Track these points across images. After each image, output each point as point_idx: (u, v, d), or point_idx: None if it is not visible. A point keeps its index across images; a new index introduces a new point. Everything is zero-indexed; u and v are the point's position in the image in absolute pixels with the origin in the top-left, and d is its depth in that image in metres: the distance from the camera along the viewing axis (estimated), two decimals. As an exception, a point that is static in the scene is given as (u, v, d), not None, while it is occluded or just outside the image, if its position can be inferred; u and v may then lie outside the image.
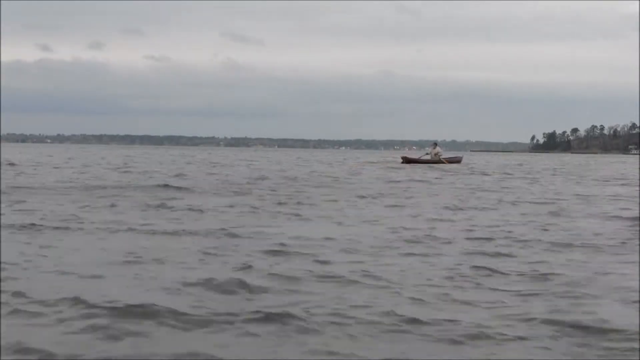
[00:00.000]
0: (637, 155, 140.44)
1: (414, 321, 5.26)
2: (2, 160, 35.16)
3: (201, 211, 12.73)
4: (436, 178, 26.81)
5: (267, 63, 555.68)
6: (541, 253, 8.49)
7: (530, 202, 15.98)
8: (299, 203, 14.80)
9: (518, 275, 7.08)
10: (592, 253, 8.58)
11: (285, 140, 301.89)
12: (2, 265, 7.05)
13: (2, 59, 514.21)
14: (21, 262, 7.34)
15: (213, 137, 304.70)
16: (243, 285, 6.33)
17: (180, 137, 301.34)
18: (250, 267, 7.20)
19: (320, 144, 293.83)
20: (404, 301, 5.93)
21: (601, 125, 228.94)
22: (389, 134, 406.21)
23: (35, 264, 7.31)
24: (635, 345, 4.78)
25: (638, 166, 51.08)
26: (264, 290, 6.22)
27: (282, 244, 8.74)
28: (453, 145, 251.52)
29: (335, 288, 6.38)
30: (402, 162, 45.97)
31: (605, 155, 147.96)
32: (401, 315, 5.38)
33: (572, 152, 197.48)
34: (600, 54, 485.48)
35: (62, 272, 6.88)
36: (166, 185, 19.24)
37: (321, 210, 13.32)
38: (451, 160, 47.44)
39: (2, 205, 13.10)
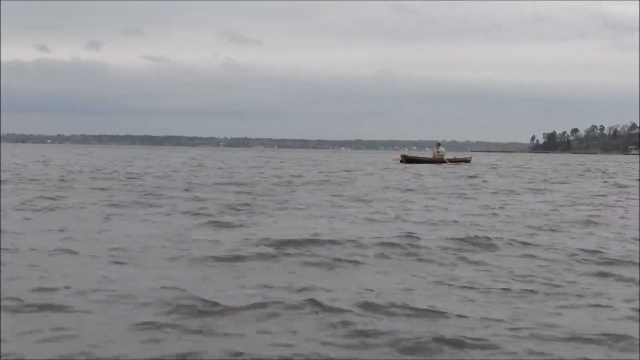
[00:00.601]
0: (637, 155, 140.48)
1: None
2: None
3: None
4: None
5: (266, 63, 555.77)
6: None
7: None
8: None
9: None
10: None
11: (285, 140, 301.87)
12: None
13: (1, 59, 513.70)
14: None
15: (213, 138, 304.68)
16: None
17: (180, 138, 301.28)
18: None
19: (320, 144, 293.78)
20: None
21: (601, 125, 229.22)
22: (389, 134, 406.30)
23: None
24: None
25: None
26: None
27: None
28: (453, 145, 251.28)
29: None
30: (402, 161, 45.78)
31: (617, 156, 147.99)
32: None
33: (572, 153, 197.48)
34: (601, 54, 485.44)
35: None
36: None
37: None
38: (460, 161, 47.35)
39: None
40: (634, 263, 7.84)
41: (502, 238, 9.41)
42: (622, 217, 12.95)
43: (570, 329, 5.13)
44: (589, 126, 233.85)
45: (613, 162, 74.80)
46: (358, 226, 10.92)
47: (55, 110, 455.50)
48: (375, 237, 9.31)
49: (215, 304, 5.66)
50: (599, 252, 8.54)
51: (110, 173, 27.15)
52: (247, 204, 14.16)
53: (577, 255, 8.30)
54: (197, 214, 12.23)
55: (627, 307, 5.84)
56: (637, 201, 16.86)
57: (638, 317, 5.51)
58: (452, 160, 45.65)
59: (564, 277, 7.02)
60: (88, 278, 6.57)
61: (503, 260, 7.99)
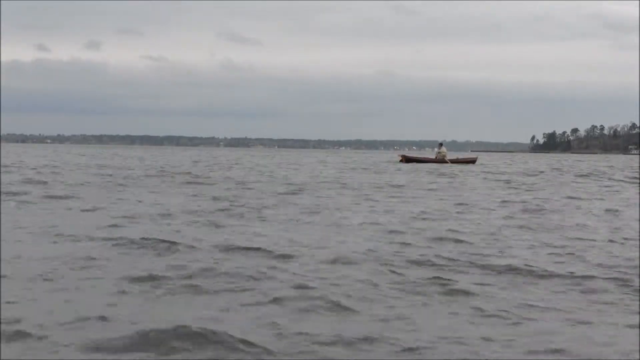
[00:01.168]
0: (637, 155, 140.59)
1: None
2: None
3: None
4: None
5: (266, 63, 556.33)
6: None
7: None
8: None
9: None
10: None
11: (285, 140, 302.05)
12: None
13: (1, 59, 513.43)
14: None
15: (213, 138, 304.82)
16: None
17: (180, 137, 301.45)
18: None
19: (320, 144, 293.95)
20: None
21: (601, 125, 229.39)
22: (389, 134, 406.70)
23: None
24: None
25: None
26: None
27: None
28: (453, 145, 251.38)
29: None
30: (401, 161, 45.73)
31: (617, 155, 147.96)
32: None
33: (572, 152, 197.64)
34: (600, 54, 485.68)
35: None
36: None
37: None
38: (463, 161, 47.15)
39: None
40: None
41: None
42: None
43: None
44: (589, 126, 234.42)
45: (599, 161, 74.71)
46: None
47: (55, 110, 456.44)
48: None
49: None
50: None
51: (209, 177, 25.38)
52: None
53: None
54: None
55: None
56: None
57: None
58: (454, 161, 45.50)
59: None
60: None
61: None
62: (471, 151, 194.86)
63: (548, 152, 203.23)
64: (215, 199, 15.51)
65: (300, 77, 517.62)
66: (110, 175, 25.56)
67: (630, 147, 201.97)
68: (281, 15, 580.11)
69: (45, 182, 20.24)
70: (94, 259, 7.46)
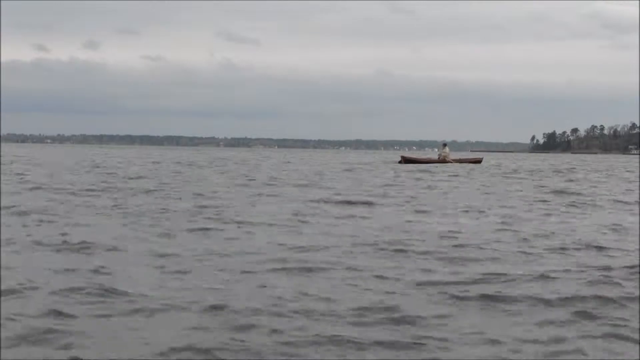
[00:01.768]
0: (637, 155, 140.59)
1: None
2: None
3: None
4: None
5: (265, 63, 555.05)
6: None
7: None
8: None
9: None
10: None
11: (285, 140, 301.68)
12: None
13: (1, 59, 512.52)
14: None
15: (213, 138, 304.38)
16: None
17: (180, 137, 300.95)
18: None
19: (320, 144, 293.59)
20: None
21: (601, 125, 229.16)
22: (389, 134, 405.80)
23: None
24: None
25: None
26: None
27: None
28: (453, 145, 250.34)
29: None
30: (401, 162, 44.88)
31: (617, 155, 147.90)
32: None
33: (572, 152, 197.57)
34: (600, 54, 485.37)
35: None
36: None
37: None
38: (467, 161, 46.94)
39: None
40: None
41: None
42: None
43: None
44: (589, 126, 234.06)
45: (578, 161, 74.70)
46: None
47: (54, 110, 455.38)
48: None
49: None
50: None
51: (275, 178, 26.08)
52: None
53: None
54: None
55: None
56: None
57: None
58: (457, 161, 45.35)
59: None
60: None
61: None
62: (471, 151, 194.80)
63: (548, 152, 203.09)
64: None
65: (300, 77, 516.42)
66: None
67: (630, 147, 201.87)
68: (280, 15, 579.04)
69: None
70: None
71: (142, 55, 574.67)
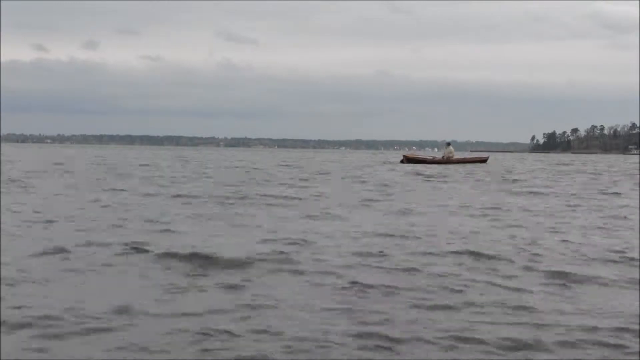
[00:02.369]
0: (638, 155, 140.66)
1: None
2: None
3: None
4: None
5: (265, 63, 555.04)
6: None
7: None
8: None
9: None
10: None
11: (285, 140, 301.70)
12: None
13: (0, 59, 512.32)
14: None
15: (213, 138, 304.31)
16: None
17: (180, 137, 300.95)
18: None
19: (320, 144, 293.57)
20: None
21: (601, 125, 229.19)
22: (389, 134, 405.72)
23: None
24: None
25: None
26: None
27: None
28: (453, 145, 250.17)
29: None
30: (402, 162, 44.50)
31: (617, 155, 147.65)
32: None
33: (572, 152, 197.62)
34: (600, 54, 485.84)
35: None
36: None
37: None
38: (471, 160, 46.78)
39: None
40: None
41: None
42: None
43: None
44: (589, 126, 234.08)
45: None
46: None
47: (54, 110, 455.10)
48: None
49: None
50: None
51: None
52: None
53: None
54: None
55: None
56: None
57: None
58: (461, 161, 45.23)
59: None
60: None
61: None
62: (471, 151, 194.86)
63: (548, 152, 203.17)
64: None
65: (300, 77, 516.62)
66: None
67: (630, 147, 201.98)
68: (280, 15, 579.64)
69: None
70: None
71: (142, 55, 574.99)
